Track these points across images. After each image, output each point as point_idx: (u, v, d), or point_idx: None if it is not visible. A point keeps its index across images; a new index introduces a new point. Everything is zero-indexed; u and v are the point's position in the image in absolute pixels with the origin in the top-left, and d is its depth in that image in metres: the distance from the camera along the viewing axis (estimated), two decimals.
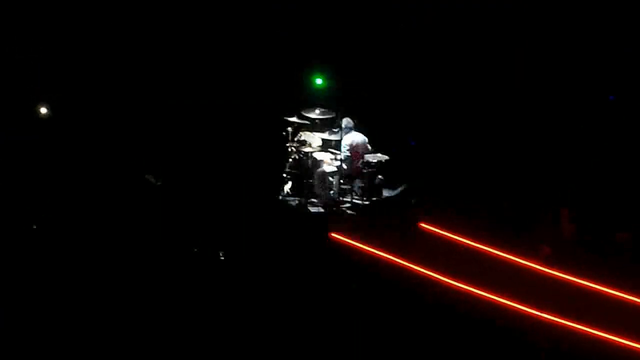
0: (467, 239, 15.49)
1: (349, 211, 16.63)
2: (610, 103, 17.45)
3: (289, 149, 16.98)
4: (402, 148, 17.53)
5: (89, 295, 13.63)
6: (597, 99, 17.48)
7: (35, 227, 15.51)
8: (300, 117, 17.00)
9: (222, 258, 15.01)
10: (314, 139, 17.03)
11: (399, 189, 16.84)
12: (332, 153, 16.95)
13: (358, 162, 16.82)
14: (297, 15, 18.43)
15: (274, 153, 17.40)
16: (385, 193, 16.90)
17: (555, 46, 17.86)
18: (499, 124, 17.72)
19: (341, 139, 16.76)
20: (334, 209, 16.64)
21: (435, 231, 15.66)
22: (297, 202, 16.80)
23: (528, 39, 17.99)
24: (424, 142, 17.89)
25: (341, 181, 16.78)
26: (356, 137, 16.86)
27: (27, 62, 17.62)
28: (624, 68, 17.42)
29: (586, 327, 12.78)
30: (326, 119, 17.09)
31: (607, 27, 17.53)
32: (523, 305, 13.32)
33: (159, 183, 16.67)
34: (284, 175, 16.97)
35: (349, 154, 16.70)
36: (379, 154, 17.05)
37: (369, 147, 16.99)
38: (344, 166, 16.66)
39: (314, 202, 16.84)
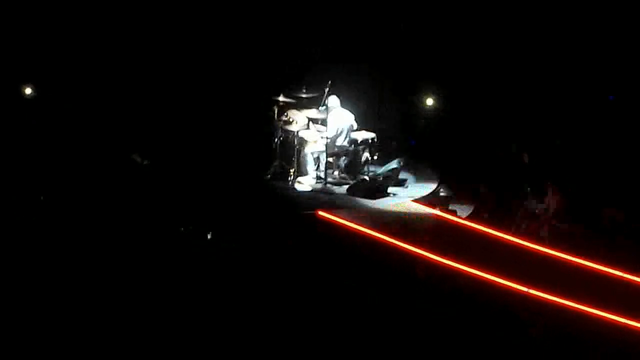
0: (452, 216, 15.56)
1: (333, 189, 16.67)
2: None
3: (275, 128, 16.95)
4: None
5: (76, 274, 13.55)
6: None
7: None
8: (287, 95, 16.95)
9: (210, 238, 14.95)
10: (300, 117, 17.00)
11: (390, 167, 16.85)
12: (318, 131, 16.93)
13: (344, 139, 16.84)
14: None
15: (260, 131, 17.39)
16: (377, 169, 16.96)
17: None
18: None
19: (327, 117, 16.75)
20: (321, 187, 16.67)
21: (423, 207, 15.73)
22: (284, 181, 16.81)
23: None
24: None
25: (328, 159, 16.77)
26: (342, 115, 16.85)
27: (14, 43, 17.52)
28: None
29: (577, 303, 12.82)
30: (312, 97, 17.07)
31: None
32: (513, 282, 13.34)
33: (145, 162, 16.61)
34: (270, 154, 16.96)
35: (334, 131, 16.68)
36: (364, 132, 17.06)
37: (355, 125, 16.99)
38: (330, 143, 16.65)
39: (300, 181, 16.83)
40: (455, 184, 16.78)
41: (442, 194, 16.54)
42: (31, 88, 17.15)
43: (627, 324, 12.45)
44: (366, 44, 18.64)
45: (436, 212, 15.55)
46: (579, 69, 17.80)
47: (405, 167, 17.12)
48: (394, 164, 16.86)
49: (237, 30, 18.44)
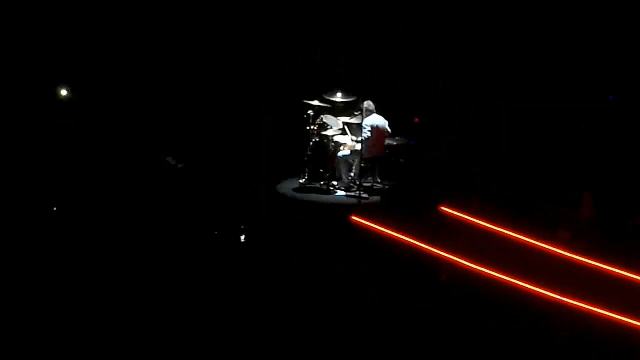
0: (486, 222, 15.45)
1: (369, 196, 16.66)
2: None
3: (310, 133, 17.00)
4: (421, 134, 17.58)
5: (107, 277, 13.66)
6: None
7: (55, 209, 15.59)
8: (322, 100, 17.00)
9: (243, 241, 15.02)
10: (335, 122, 17.04)
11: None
12: (352, 136, 16.96)
13: (379, 144, 16.83)
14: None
15: (295, 137, 17.44)
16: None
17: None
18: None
19: (362, 122, 16.76)
20: (355, 192, 16.67)
21: (455, 214, 15.62)
22: (318, 185, 16.85)
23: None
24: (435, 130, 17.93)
25: (362, 164, 16.78)
26: (377, 120, 16.86)
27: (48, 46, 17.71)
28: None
29: (605, 310, 12.70)
30: (347, 102, 17.10)
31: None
32: (542, 289, 13.25)
33: (180, 166, 16.73)
34: (305, 158, 16.99)
35: (370, 135, 16.69)
36: (400, 138, 17.06)
37: (389, 131, 16.99)
38: (365, 148, 16.67)
39: (334, 185, 16.86)
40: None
41: None
42: (67, 90, 17.33)
43: None
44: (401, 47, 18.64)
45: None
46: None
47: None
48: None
49: (272, 36, 18.51)
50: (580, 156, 16.46)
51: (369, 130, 16.70)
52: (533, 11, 17.88)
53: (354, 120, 16.91)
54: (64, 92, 17.17)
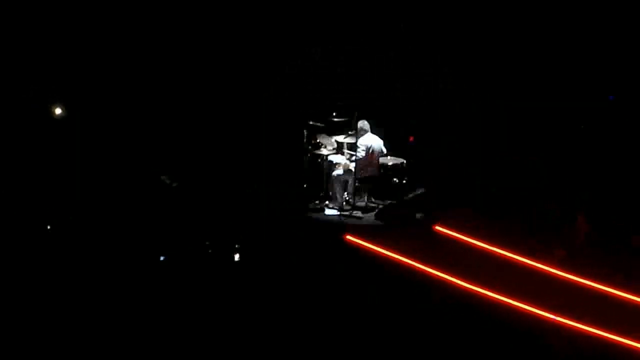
0: (481, 242, 15.45)
1: (362, 214, 16.64)
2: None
3: (305, 152, 16.99)
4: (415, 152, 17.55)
5: (100, 294, 13.61)
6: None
7: (49, 227, 15.53)
8: (316, 120, 16.99)
9: (237, 259, 14.98)
10: (329, 141, 17.03)
11: (412, 194, 16.86)
12: (347, 155, 16.95)
13: (374, 164, 16.82)
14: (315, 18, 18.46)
15: (290, 156, 17.40)
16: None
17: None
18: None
19: (357, 141, 16.75)
20: (349, 211, 16.66)
21: (449, 234, 15.62)
22: (312, 204, 16.84)
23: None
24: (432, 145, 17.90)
25: (356, 184, 16.76)
26: (372, 140, 16.84)
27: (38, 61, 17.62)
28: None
29: (600, 330, 12.70)
30: (342, 121, 17.09)
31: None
32: (538, 309, 13.25)
33: (174, 184, 16.68)
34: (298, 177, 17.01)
35: (365, 154, 16.67)
36: (394, 157, 17.04)
37: (384, 150, 16.97)
38: (358, 168, 16.65)
39: (328, 204, 16.84)
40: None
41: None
42: (61, 108, 17.25)
43: None
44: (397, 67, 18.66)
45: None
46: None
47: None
48: (422, 189, 16.87)
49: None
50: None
51: (363, 150, 16.68)
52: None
53: (348, 140, 16.90)
54: (58, 110, 17.10)
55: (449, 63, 18.34)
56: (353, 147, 16.87)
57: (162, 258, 14.59)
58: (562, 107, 17.44)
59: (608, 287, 13.65)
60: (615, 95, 17.47)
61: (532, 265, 14.45)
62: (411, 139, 17.87)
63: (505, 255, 14.74)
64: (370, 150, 16.77)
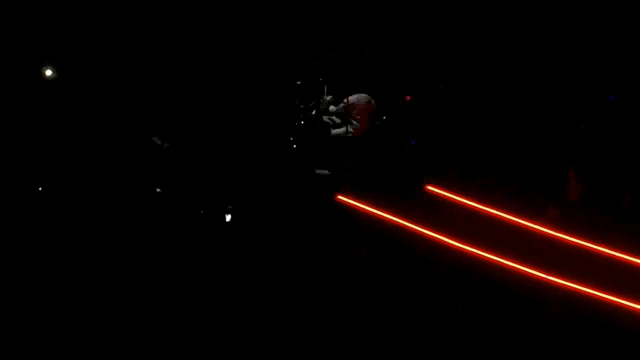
0: (473, 202, 15.47)
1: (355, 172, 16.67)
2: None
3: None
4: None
5: (95, 260, 13.62)
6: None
7: (40, 189, 15.51)
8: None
9: (228, 220, 15.00)
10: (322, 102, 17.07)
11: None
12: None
13: (365, 120, 16.85)
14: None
15: (281, 116, 17.37)
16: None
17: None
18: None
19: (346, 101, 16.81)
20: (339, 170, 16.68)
21: (440, 193, 15.64)
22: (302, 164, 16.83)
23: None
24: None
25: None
26: (359, 97, 16.90)
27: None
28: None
29: (594, 290, 12.77)
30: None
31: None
32: (530, 268, 13.31)
33: (165, 145, 16.63)
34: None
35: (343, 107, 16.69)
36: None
37: (374, 104, 17.00)
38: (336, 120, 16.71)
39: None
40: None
41: None
42: (52, 70, 17.14)
43: None
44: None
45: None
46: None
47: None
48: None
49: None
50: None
51: (342, 104, 16.76)
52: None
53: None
54: (48, 72, 17.00)
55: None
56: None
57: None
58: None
59: (603, 247, 13.72)
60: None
61: (525, 225, 14.49)
62: (408, 98, 17.85)
63: (499, 215, 14.78)
64: (359, 106, 16.82)
